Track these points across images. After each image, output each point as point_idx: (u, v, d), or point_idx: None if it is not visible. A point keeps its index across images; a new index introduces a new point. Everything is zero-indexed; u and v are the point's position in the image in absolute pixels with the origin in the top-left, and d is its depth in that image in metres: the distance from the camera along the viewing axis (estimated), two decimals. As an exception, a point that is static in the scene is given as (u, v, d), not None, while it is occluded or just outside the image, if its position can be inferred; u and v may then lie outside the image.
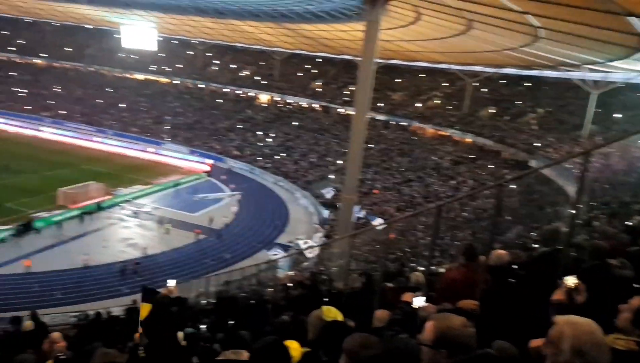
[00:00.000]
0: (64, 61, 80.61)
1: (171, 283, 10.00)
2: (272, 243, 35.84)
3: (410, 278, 7.20)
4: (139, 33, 66.06)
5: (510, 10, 22.71)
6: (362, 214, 37.56)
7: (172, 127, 65.26)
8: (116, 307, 18.25)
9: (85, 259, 29.43)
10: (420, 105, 58.47)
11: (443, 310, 3.52)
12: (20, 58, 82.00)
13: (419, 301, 3.90)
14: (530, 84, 52.55)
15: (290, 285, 9.50)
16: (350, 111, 54.14)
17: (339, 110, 63.62)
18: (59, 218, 35.55)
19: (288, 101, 68.30)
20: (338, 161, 51.58)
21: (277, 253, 31.14)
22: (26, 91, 75.65)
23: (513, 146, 43.15)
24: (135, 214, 38.63)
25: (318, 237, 37.10)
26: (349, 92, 62.40)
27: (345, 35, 49.99)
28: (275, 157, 56.92)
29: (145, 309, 5.89)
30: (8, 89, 75.70)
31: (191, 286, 18.81)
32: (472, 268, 4.81)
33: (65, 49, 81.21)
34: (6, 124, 64.34)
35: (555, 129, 42.40)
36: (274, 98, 69.39)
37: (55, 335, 5.89)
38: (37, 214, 35.25)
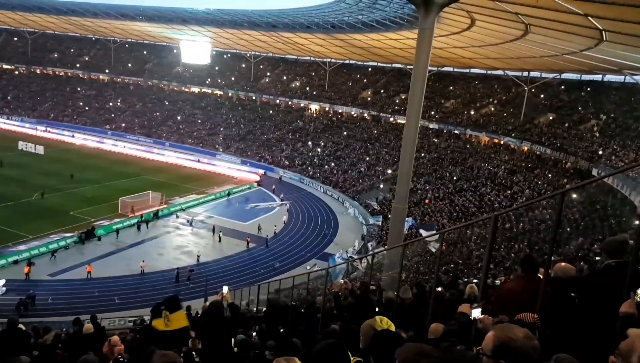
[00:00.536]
0: (125, 76, 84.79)
1: (225, 289, 10.21)
2: (321, 252, 35.95)
3: (465, 289, 6.99)
4: (196, 48, 68.79)
5: (571, 12, 21.90)
6: (412, 224, 36.98)
7: (225, 138, 66.96)
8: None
9: (142, 266, 30.58)
10: (474, 112, 57.16)
11: (501, 322, 3.38)
12: (85, 74, 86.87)
13: (476, 313, 3.75)
14: (591, 90, 50.36)
15: (340, 294, 9.43)
16: (401, 120, 53.72)
17: (389, 119, 63.27)
18: (119, 225, 37.16)
19: (338, 110, 68.64)
20: (388, 171, 51.19)
21: (325, 264, 31.14)
22: (90, 105, 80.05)
23: (573, 154, 41.26)
24: (190, 223, 39.80)
25: (366, 246, 36.84)
26: (399, 101, 61.97)
27: (397, 43, 49.83)
28: (325, 166, 57.19)
29: (179, 320, 5.94)
30: (74, 104, 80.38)
31: (242, 293, 19.06)
32: (531, 280, 4.59)
33: (127, 65, 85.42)
34: (72, 136, 68.30)
35: (620, 136, 40.21)
36: (325, 108, 69.92)
37: (115, 338, 6.11)
38: (98, 223, 36.99)
